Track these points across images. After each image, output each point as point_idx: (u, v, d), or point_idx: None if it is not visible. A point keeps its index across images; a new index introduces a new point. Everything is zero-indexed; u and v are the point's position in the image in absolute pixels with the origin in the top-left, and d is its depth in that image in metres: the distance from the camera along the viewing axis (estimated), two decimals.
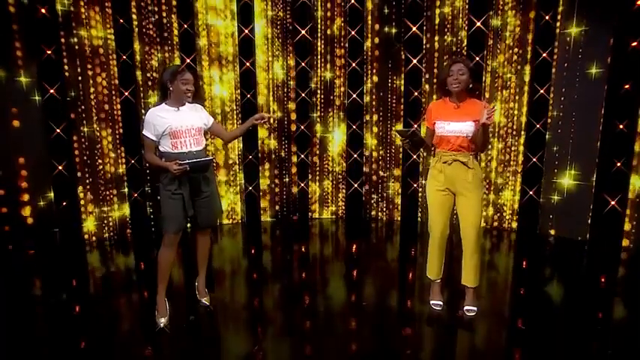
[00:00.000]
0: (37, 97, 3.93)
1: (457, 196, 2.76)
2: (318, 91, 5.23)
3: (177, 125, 2.59)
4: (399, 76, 5.04)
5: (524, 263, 4.03)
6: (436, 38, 4.85)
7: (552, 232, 4.60)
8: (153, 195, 4.77)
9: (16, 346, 2.56)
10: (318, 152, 5.34)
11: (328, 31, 5.11)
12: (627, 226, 4.17)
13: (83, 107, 4.25)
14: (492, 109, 2.47)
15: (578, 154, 4.36)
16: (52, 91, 3.96)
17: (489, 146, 4.74)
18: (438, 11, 4.81)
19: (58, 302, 3.15)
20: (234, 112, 5.03)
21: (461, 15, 4.73)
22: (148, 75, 4.58)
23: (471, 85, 2.65)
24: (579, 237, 4.41)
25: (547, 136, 4.51)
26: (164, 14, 4.54)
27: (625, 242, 4.19)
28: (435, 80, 4.89)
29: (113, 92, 4.43)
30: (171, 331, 2.69)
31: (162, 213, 2.70)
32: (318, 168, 5.40)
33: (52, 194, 4.11)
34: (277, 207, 5.42)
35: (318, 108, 5.25)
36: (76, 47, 4.14)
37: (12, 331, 2.74)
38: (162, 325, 2.69)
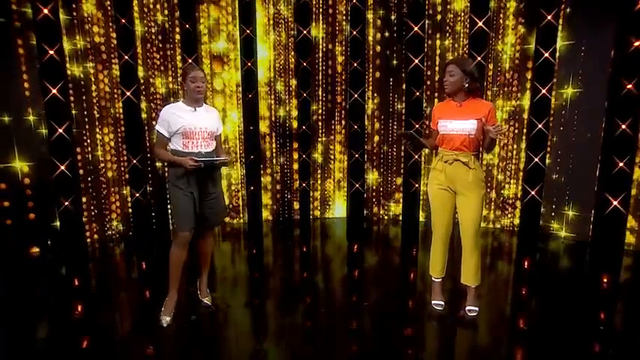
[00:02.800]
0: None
1: (457, 196, 2.76)
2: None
3: (191, 126, 2.61)
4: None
5: (525, 263, 4.02)
6: (438, 43, 4.87)
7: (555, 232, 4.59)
8: (154, 195, 4.78)
9: (16, 346, 2.56)
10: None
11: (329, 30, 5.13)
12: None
13: (85, 107, 4.28)
14: (499, 128, 2.48)
15: (579, 154, 4.35)
16: (54, 91, 3.97)
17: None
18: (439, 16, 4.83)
19: (60, 302, 3.16)
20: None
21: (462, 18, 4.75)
22: (149, 72, 4.60)
23: (466, 85, 2.63)
24: (582, 237, 4.40)
25: (549, 136, 4.52)
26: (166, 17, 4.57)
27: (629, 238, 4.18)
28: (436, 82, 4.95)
29: (115, 92, 4.44)
30: (173, 330, 2.69)
31: (173, 211, 2.70)
32: (319, 172, 5.42)
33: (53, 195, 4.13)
34: (279, 207, 5.44)
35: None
36: (78, 47, 4.16)
37: (12, 331, 2.75)
38: (165, 323, 2.70)
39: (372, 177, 5.39)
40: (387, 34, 5.07)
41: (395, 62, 5.09)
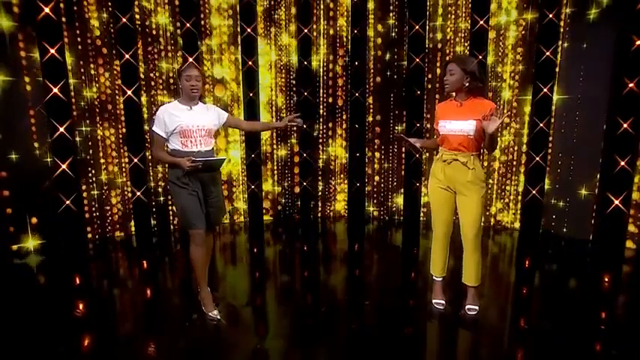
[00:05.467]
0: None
1: (457, 195, 2.76)
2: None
3: (187, 124, 2.62)
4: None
5: (526, 262, 4.02)
6: (439, 37, 4.88)
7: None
8: (156, 194, 4.79)
9: (16, 346, 2.57)
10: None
11: (330, 31, 5.13)
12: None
13: (87, 107, 4.29)
14: (490, 118, 2.44)
15: (581, 153, 4.35)
16: (55, 90, 3.97)
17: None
18: (440, 10, 4.83)
19: (62, 302, 3.16)
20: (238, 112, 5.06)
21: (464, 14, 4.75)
22: (152, 75, 4.59)
23: (467, 84, 2.61)
24: (582, 236, 4.39)
25: (550, 135, 4.52)
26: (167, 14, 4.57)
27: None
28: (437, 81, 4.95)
29: (116, 91, 4.44)
30: (173, 330, 2.70)
31: (182, 211, 2.69)
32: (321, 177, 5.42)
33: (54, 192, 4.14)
34: (280, 206, 5.44)
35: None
36: (79, 46, 4.17)
37: (12, 331, 2.76)
38: (217, 317, 2.75)
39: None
40: (387, 55, 5.08)
41: (395, 90, 5.14)
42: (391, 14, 4.99)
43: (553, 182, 4.57)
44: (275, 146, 5.29)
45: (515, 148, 4.78)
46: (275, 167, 5.34)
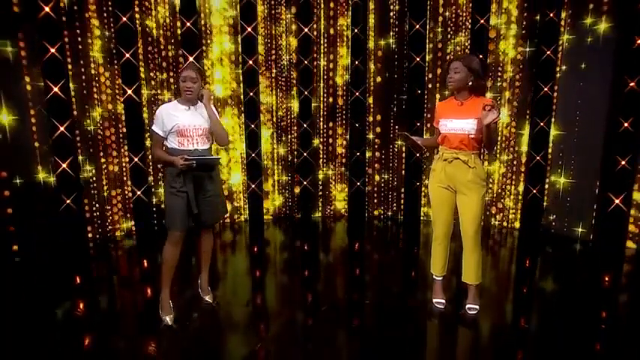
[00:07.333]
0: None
1: (458, 194, 2.76)
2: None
3: (184, 124, 2.63)
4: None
5: (527, 262, 4.02)
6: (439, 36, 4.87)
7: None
8: (157, 193, 4.79)
9: (16, 346, 2.57)
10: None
11: (331, 31, 5.13)
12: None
13: (87, 106, 4.28)
14: (490, 109, 2.42)
15: (582, 153, 4.34)
16: (56, 89, 3.97)
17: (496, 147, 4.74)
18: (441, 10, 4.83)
19: (61, 301, 3.16)
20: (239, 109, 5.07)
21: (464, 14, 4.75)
22: (152, 74, 4.59)
23: (470, 83, 2.61)
24: (583, 236, 4.39)
25: (551, 135, 4.52)
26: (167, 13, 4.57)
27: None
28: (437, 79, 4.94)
29: (117, 90, 4.44)
30: (174, 329, 2.69)
31: (165, 210, 2.73)
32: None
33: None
34: (280, 205, 5.44)
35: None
36: (80, 45, 4.16)
37: (12, 331, 2.77)
38: (168, 322, 2.71)
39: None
40: (388, 55, 5.10)
41: (395, 95, 5.15)
42: (391, 13, 4.99)
43: (553, 181, 4.57)
44: (275, 145, 5.29)
45: (516, 147, 4.78)
46: (275, 166, 5.34)
